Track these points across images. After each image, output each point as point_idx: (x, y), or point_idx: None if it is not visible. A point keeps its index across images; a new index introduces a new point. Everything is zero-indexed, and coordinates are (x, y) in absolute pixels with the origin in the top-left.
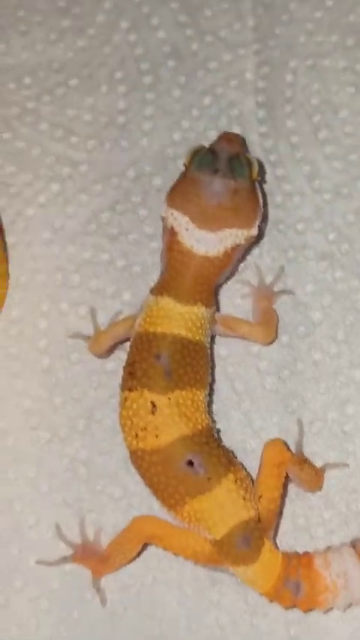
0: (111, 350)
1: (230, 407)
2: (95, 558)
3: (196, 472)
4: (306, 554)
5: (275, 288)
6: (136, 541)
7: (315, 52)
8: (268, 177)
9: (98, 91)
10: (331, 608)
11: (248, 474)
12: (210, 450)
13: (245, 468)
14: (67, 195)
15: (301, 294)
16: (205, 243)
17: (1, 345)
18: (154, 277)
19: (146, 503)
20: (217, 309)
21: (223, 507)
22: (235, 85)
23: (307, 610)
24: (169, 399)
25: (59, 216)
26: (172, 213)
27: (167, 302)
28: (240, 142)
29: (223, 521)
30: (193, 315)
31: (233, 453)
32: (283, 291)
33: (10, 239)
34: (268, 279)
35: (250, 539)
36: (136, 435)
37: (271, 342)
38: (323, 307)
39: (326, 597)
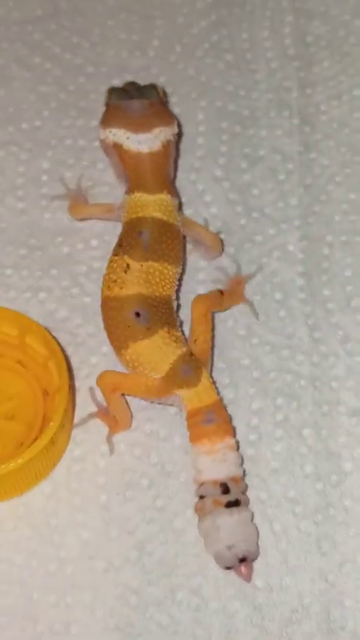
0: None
1: (268, 545)
2: (109, 418)
3: (140, 322)
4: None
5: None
6: (113, 394)
7: (349, 230)
8: (306, 338)
9: None
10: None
11: (184, 338)
12: (156, 311)
13: (183, 333)
14: None
15: (334, 445)
16: (146, 142)
17: (65, 480)
18: None
19: (190, 631)
20: (180, 208)
21: (161, 350)
22: (278, 255)
23: (195, 439)
24: (141, 265)
25: (119, 365)
26: (110, 131)
27: (139, 195)
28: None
29: (164, 360)
30: (163, 201)
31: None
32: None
33: (76, 383)
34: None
35: (190, 367)
36: (108, 286)
37: (217, 253)
38: (354, 458)
39: (215, 445)
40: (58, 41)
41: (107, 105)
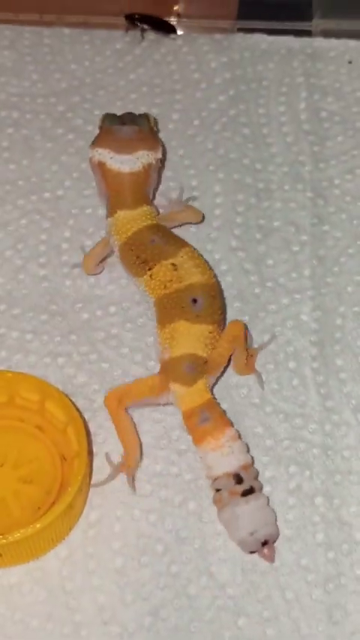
0: (100, 266)
1: (280, 613)
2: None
3: (196, 308)
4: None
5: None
6: (120, 415)
7: None
8: (318, 407)
9: None
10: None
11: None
12: (210, 304)
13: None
14: (143, 412)
15: (346, 514)
16: (127, 163)
17: (81, 544)
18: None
19: None
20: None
21: (194, 339)
22: (292, 325)
23: (198, 441)
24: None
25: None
26: (96, 151)
27: (122, 213)
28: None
29: (183, 345)
30: (145, 211)
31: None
32: (190, 198)
33: (93, 448)
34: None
35: (194, 369)
36: (165, 286)
37: (201, 221)
38: None
39: (219, 440)
40: (81, 113)
41: (100, 128)
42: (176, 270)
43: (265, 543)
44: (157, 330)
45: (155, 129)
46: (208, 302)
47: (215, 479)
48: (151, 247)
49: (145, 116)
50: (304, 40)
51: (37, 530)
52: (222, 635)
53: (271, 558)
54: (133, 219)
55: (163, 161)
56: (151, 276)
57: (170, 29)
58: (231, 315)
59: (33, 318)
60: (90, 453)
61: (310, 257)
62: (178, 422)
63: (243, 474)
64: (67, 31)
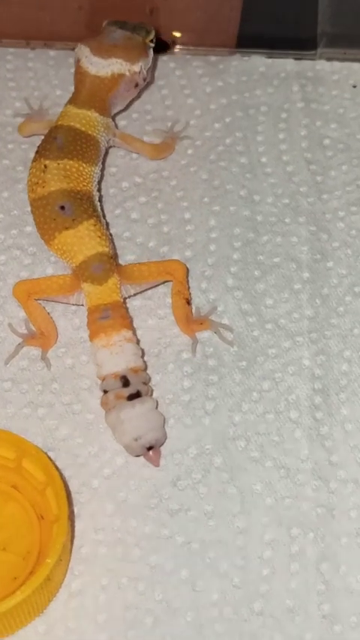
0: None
1: None
2: (37, 337)
3: (66, 214)
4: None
5: (178, 134)
6: (30, 305)
7: None
8: (323, 462)
9: (165, 369)
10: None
11: (109, 234)
12: (80, 203)
13: (107, 228)
14: (131, 469)
15: (354, 582)
16: (96, 65)
17: (61, 618)
18: (211, 555)
19: None
20: (116, 127)
21: (82, 241)
22: (293, 371)
23: (92, 336)
24: (58, 163)
25: (122, 489)
26: (80, 47)
27: (69, 108)
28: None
29: (82, 251)
30: (86, 115)
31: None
32: (186, 137)
33: (75, 509)
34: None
35: (103, 266)
36: (32, 190)
37: (157, 158)
38: None
39: (111, 337)
40: None
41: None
42: (44, 173)
43: (150, 448)
44: (48, 247)
45: (149, 43)
46: (75, 205)
47: (103, 379)
48: (50, 142)
49: (144, 28)
50: (305, 63)
51: (11, 606)
52: None
53: (156, 462)
54: (73, 116)
55: (144, 79)
56: (30, 168)
57: (164, 46)
58: (227, 360)
59: (12, 365)
60: (71, 516)
61: (313, 296)
62: (169, 479)
63: (130, 377)
64: (52, 53)
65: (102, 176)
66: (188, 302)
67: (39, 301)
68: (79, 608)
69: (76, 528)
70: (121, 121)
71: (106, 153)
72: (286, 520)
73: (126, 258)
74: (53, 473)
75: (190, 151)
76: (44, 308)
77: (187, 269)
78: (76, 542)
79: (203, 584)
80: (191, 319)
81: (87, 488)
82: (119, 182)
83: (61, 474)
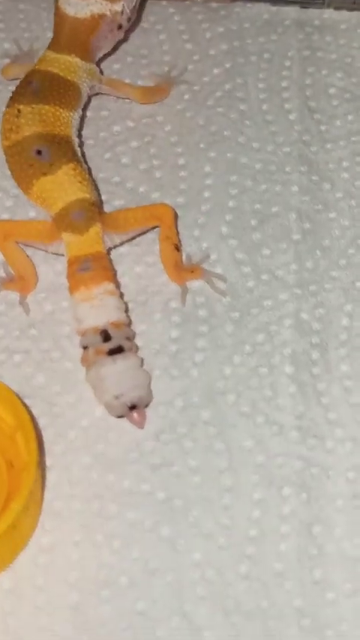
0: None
1: None
2: (15, 281)
3: (43, 159)
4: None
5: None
6: (8, 247)
7: None
8: (320, 419)
9: (152, 319)
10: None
11: (91, 180)
12: (59, 147)
13: (89, 173)
14: (110, 421)
15: (349, 547)
16: (75, 6)
17: (29, 574)
18: (194, 513)
19: None
20: (101, 72)
21: (62, 187)
22: (290, 324)
23: (72, 289)
24: (33, 107)
25: (101, 441)
26: None
27: (48, 53)
28: None
29: (62, 198)
30: (66, 61)
31: (86, 163)
32: (183, 81)
33: (47, 460)
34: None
35: (85, 214)
36: (6, 137)
37: (148, 102)
38: None
39: (91, 290)
40: None
41: None
42: (17, 118)
43: (133, 407)
44: (26, 196)
45: None
46: (53, 149)
47: (83, 334)
48: (25, 87)
49: None
50: (312, 12)
51: None
52: None
53: (140, 423)
54: (52, 61)
55: (128, 19)
56: (3, 114)
57: None
58: (219, 311)
59: None
60: (42, 465)
61: (313, 247)
62: (152, 432)
63: (111, 331)
64: None
65: (83, 123)
66: (177, 248)
67: (19, 245)
68: (49, 565)
69: (49, 481)
70: (115, 65)
71: (92, 99)
72: (277, 479)
73: (114, 203)
74: (23, 416)
75: (186, 96)
76: (24, 251)
77: (176, 213)
78: (48, 495)
79: (185, 544)
80: (181, 267)
81: (62, 439)
82: (110, 126)
83: (33, 419)
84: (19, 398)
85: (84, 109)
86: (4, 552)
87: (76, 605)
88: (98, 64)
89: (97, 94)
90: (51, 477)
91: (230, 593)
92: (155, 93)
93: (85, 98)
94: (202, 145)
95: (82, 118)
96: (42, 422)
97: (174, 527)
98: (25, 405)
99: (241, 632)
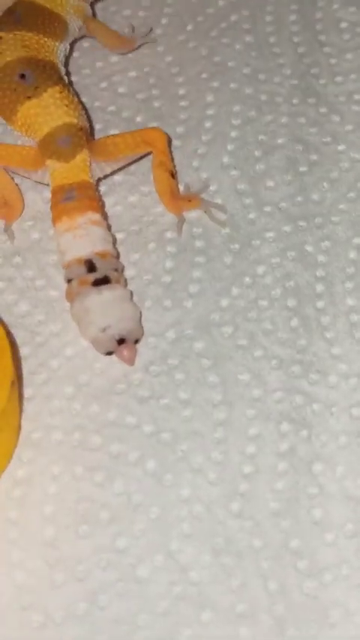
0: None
1: (260, 609)
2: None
3: (27, 82)
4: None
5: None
6: None
7: None
8: (323, 354)
9: (146, 248)
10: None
11: (80, 105)
12: (43, 70)
13: (79, 100)
14: (97, 352)
15: (352, 486)
16: None
17: (1, 507)
18: (183, 447)
19: None
20: (94, 14)
21: (47, 110)
22: (293, 256)
23: (55, 220)
24: (15, 34)
25: (86, 371)
26: None
27: None
28: None
29: (47, 122)
30: None
31: (78, 98)
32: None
33: (27, 391)
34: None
35: (72, 140)
36: None
37: (123, 52)
38: None
39: (74, 220)
40: None
41: None
42: None
43: (121, 342)
44: (10, 125)
45: None
46: (37, 72)
47: (67, 266)
48: (7, 16)
49: None
50: None
51: None
52: (178, 632)
53: (129, 359)
54: None
55: None
56: None
57: None
58: (218, 242)
59: None
60: (18, 387)
61: (320, 179)
62: (141, 363)
63: (97, 261)
64: None
65: (69, 58)
66: (173, 175)
67: (5, 170)
68: (24, 498)
69: (29, 411)
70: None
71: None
72: (275, 414)
73: (109, 132)
74: None
75: (189, 27)
76: (10, 176)
77: (170, 139)
78: (26, 426)
79: (172, 479)
80: (178, 195)
81: (45, 369)
82: (107, 56)
83: (11, 340)
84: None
85: (72, 47)
86: None
87: (52, 541)
88: (93, 5)
89: (83, 36)
90: (30, 407)
91: (220, 531)
92: (123, 43)
93: (73, 33)
94: (204, 76)
95: (70, 53)
96: (24, 351)
97: (161, 461)
98: (2, 322)
99: (231, 573)
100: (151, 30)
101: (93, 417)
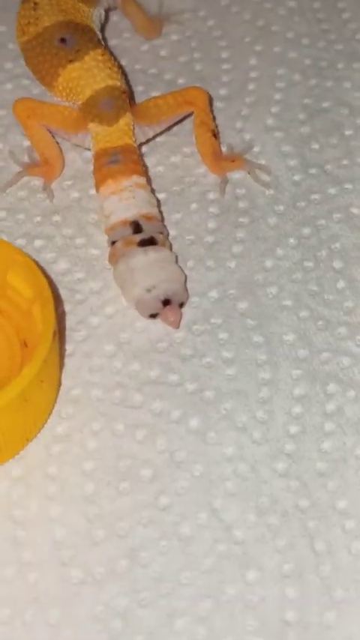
0: None
1: (306, 569)
2: (40, 166)
3: (68, 46)
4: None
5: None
6: (29, 121)
7: None
8: None
9: (188, 209)
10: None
11: (120, 67)
12: (83, 34)
13: (119, 64)
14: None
15: None
16: None
17: (40, 463)
18: (227, 406)
19: None
20: None
21: (90, 73)
22: (339, 218)
23: (99, 183)
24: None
25: (127, 329)
26: None
27: None
28: None
29: (90, 85)
30: None
31: (118, 62)
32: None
33: (67, 347)
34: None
35: (115, 103)
36: (23, 32)
37: (152, 37)
38: None
39: (120, 183)
40: None
41: None
42: (35, 10)
43: (166, 303)
44: (50, 91)
45: None
46: (77, 35)
47: (112, 228)
48: None
49: None
50: None
51: None
52: (222, 591)
53: (174, 322)
54: None
55: None
56: (17, 14)
57: None
58: (261, 203)
59: (9, 194)
60: (59, 339)
61: None
62: (184, 322)
63: (143, 223)
64: None
65: (105, 25)
66: (215, 135)
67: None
68: (63, 454)
69: (69, 368)
70: None
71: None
72: (321, 375)
73: (151, 94)
74: (42, 284)
75: None
76: (50, 134)
77: (210, 97)
78: (66, 382)
79: (216, 437)
80: (220, 155)
81: (85, 326)
82: None
83: (53, 288)
84: (40, 267)
85: (107, 14)
86: (14, 433)
87: (92, 497)
88: None
89: (116, 8)
90: (70, 363)
91: (265, 490)
92: (148, 29)
93: (106, 1)
94: (247, 39)
95: (106, 21)
96: (65, 308)
97: (204, 419)
98: (46, 274)
99: (276, 533)
100: (178, 13)
101: (134, 375)
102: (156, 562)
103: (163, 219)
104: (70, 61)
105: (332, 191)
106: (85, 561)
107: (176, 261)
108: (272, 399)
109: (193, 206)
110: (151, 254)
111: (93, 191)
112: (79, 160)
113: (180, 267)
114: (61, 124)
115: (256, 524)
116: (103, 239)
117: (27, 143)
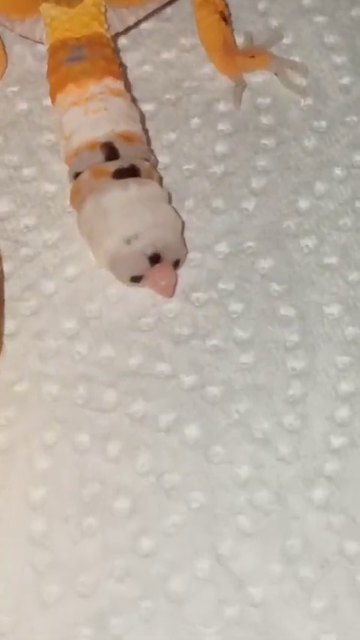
0: None
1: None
2: None
3: None
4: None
5: None
6: None
7: None
8: None
9: (186, 126)
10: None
11: None
12: None
13: None
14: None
15: None
16: None
17: None
18: (240, 407)
19: None
20: None
21: None
22: None
23: (57, 88)
24: None
25: (95, 298)
26: None
27: None
28: None
29: None
30: None
31: None
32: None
33: (8, 325)
34: None
35: None
36: None
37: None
38: None
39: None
40: None
41: None
42: None
43: (155, 260)
44: None
45: None
46: None
47: (75, 154)
48: None
49: None
50: None
51: None
52: None
53: (166, 289)
54: None
55: None
56: None
57: None
58: (295, 118)
59: None
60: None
61: None
62: (179, 288)
63: (120, 146)
64: None
65: None
66: (225, 19)
67: None
68: (1, 477)
69: (10, 353)
70: None
71: None
72: None
73: None
74: None
75: None
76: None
77: None
78: (6, 374)
79: (224, 453)
80: (234, 49)
81: (34, 293)
82: None
83: None
84: None
85: None
86: None
87: (41, 539)
88: None
89: None
90: (12, 346)
91: (295, 529)
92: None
93: None
94: None
95: None
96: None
97: (207, 426)
98: None
99: (312, 591)
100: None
101: (105, 363)
102: (135, 632)
103: (149, 141)
104: None
105: None
106: (31, 629)
107: (169, 201)
108: (307, 398)
109: (195, 122)
110: (133, 189)
111: (47, 101)
112: (29, 56)
113: (174, 208)
114: (1, 5)
115: (282, 578)
116: (63, 169)
117: None
